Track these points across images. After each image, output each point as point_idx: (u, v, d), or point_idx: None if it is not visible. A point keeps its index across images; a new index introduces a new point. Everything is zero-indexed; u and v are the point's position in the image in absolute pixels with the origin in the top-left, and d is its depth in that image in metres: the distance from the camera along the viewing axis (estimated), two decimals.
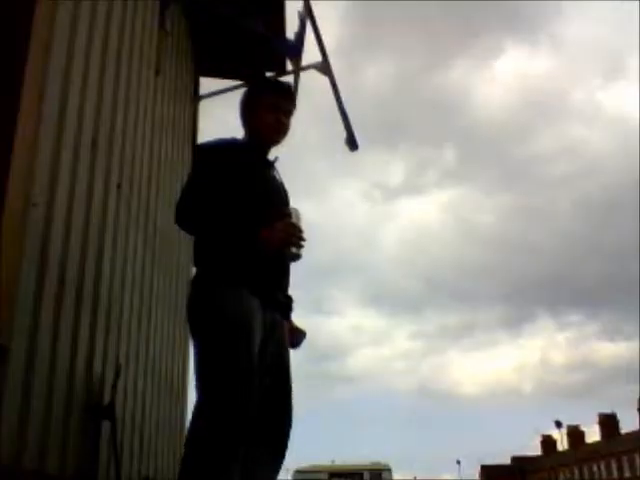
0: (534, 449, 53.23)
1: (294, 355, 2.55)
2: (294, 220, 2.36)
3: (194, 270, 2.44)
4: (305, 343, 2.63)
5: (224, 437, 2.11)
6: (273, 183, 2.52)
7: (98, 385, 3.09)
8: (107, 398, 3.12)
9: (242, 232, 2.30)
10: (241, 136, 2.55)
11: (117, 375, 3.24)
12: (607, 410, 48.05)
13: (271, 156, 2.57)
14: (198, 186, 2.34)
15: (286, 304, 2.59)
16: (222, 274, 2.31)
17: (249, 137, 2.53)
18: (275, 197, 2.46)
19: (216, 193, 2.31)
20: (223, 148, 2.44)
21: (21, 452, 2.27)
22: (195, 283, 2.37)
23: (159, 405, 4.38)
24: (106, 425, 3.10)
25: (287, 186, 2.61)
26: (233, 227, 2.30)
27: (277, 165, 2.58)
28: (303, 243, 2.33)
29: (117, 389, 3.21)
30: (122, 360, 3.44)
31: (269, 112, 2.47)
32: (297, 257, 2.37)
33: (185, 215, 2.33)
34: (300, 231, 2.32)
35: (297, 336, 2.60)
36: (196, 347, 2.29)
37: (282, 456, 2.39)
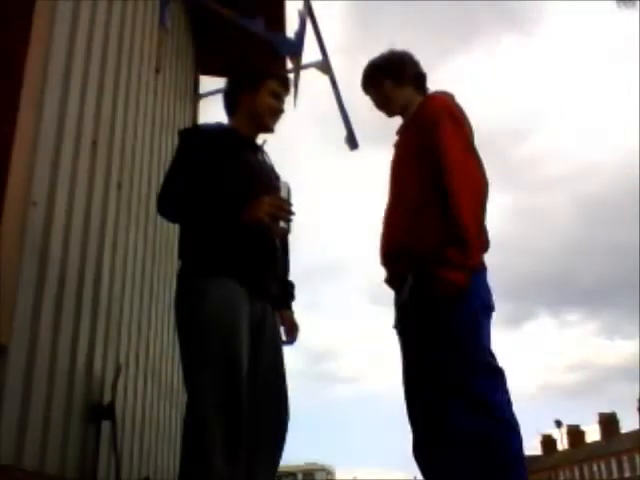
0: (534, 449, 53.21)
1: (291, 354, 2.52)
2: (284, 194, 2.33)
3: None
4: (302, 343, 2.61)
5: (205, 438, 2.08)
6: (259, 167, 2.48)
7: (98, 385, 3.08)
8: (107, 398, 3.11)
9: (226, 217, 2.27)
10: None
11: (117, 375, 3.23)
12: (607, 410, 48.08)
13: (259, 142, 2.57)
14: (179, 174, 2.33)
15: (287, 292, 2.56)
16: (206, 265, 2.27)
17: (240, 120, 2.52)
18: (261, 180, 2.41)
19: (199, 180, 2.28)
20: (206, 132, 2.43)
21: (21, 452, 2.26)
22: (179, 277, 2.33)
23: (159, 405, 4.37)
24: (106, 425, 3.09)
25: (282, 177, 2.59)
26: (217, 213, 2.27)
27: (266, 149, 2.58)
28: (292, 217, 2.29)
29: (117, 389, 3.21)
30: (122, 360, 3.43)
31: (271, 98, 2.51)
32: (286, 232, 2.32)
33: (167, 204, 2.32)
34: (289, 204, 2.29)
35: (295, 329, 2.55)
36: (180, 344, 2.26)
37: (279, 454, 2.37)
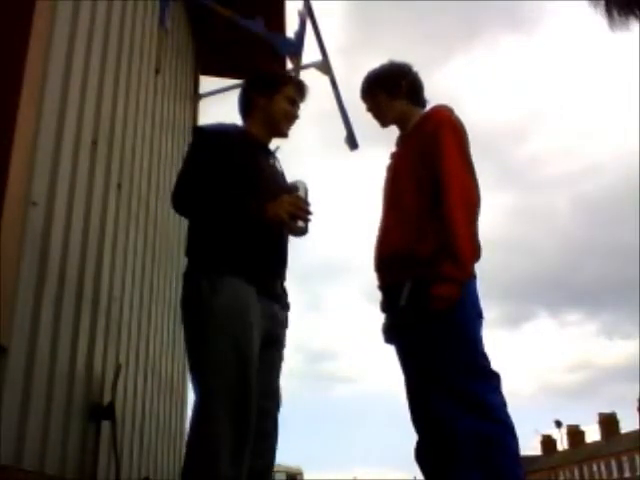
0: (534, 449, 53.22)
1: (291, 354, 2.52)
2: (301, 193, 2.34)
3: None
4: (302, 343, 2.59)
5: (214, 438, 2.07)
6: (269, 171, 2.47)
7: (98, 385, 3.08)
8: (107, 398, 3.11)
9: (245, 214, 2.27)
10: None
11: (117, 375, 3.23)
12: (607, 410, 48.10)
13: (272, 147, 2.56)
14: (195, 171, 2.34)
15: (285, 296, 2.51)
16: (214, 263, 2.25)
17: (255, 124, 2.52)
18: (268, 184, 2.40)
19: (214, 178, 2.29)
20: (220, 132, 2.42)
21: (21, 452, 2.26)
22: (186, 275, 2.32)
23: (159, 405, 4.38)
24: (106, 425, 3.10)
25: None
26: (234, 210, 2.28)
27: (278, 155, 2.57)
28: (310, 217, 2.30)
29: (117, 389, 3.21)
30: (122, 359, 3.43)
31: (287, 104, 2.51)
32: (304, 231, 2.32)
33: (181, 202, 2.35)
34: (307, 204, 2.30)
35: None
36: (188, 343, 2.25)
37: (274, 454, 2.36)
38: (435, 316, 2.30)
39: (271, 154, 2.55)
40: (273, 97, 2.50)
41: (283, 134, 2.55)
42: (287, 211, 2.25)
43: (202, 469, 2.07)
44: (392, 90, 2.67)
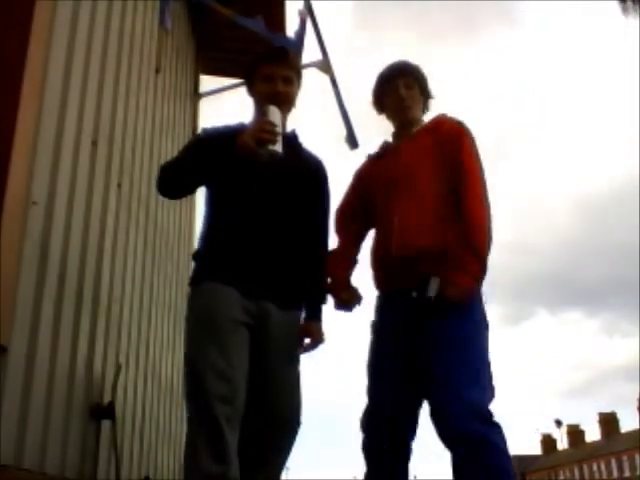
0: (534, 448, 53.28)
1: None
2: (270, 118, 2.22)
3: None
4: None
5: (192, 440, 2.11)
6: (259, 164, 2.25)
7: (98, 385, 3.08)
8: (107, 398, 3.11)
9: (206, 162, 2.30)
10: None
11: (117, 375, 3.23)
12: (607, 409, 48.16)
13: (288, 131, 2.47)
14: (173, 159, 2.45)
15: (313, 302, 2.47)
16: (195, 275, 2.35)
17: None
18: (253, 179, 2.33)
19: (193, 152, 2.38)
20: (218, 131, 2.42)
21: (21, 452, 2.26)
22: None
23: (159, 405, 4.37)
24: (106, 425, 3.10)
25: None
26: (196, 164, 2.32)
27: (294, 137, 2.48)
28: (278, 138, 2.18)
29: (117, 389, 3.21)
30: (122, 360, 3.43)
31: (264, 83, 2.38)
32: (276, 154, 2.19)
33: (158, 180, 2.39)
34: (273, 125, 2.18)
35: (314, 342, 2.41)
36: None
37: (283, 459, 2.34)
38: (451, 309, 2.30)
39: (284, 141, 2.28)
40: (253, 85, 2.45)
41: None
42: (253, 137, 2.16)
43: (187, 468, 2.12)
44: (424, 89, 2.71)
